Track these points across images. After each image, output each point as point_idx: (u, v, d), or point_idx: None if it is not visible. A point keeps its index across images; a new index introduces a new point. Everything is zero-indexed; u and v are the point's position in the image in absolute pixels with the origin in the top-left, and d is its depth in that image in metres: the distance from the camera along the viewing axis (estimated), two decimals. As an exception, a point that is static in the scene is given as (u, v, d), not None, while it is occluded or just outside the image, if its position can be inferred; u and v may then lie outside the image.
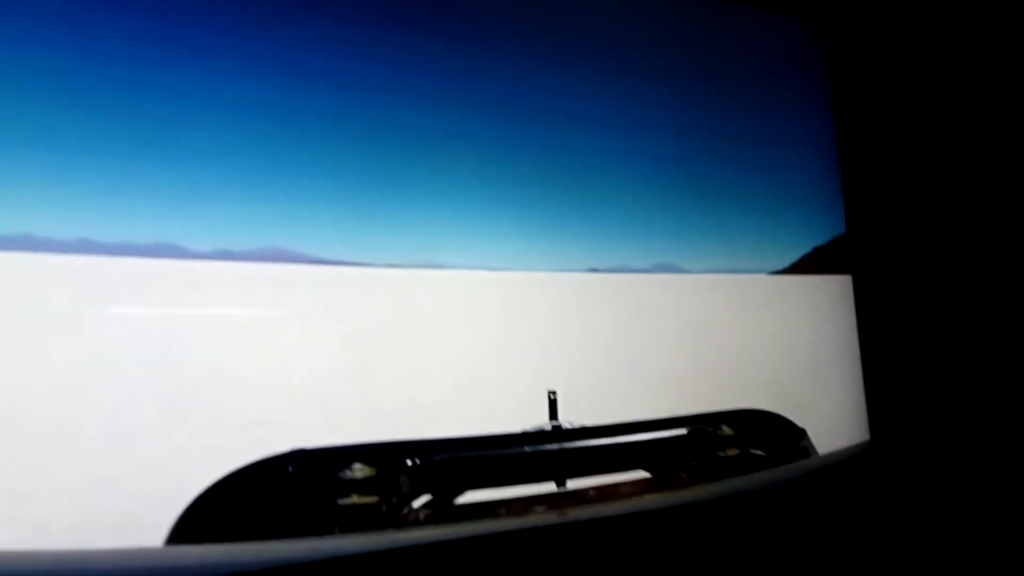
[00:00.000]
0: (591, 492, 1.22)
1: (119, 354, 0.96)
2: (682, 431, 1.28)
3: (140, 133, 1.01)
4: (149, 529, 0.92)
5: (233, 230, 1.04)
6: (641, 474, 1.26)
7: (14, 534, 0.86)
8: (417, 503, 1.11)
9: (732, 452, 1.30)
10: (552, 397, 1.22)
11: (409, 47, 1.18)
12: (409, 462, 1.09)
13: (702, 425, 1.29)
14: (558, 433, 1.21)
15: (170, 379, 0.97)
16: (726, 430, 1.30)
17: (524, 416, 1.21)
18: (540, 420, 1.22)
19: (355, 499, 1.05)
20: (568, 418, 1.22)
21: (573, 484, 1.21)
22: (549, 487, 1.20)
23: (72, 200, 0.96)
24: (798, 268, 1.49)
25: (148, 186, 1.01)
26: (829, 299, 1.46)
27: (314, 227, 1.11)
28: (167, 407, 0.97)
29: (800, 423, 1.37)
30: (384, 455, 1.08)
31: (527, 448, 1.19)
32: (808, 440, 1.36)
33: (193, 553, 0.94)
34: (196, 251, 1.01)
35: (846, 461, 1.38)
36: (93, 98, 0.99)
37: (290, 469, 1.01)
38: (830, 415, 1.41)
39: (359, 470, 1.05)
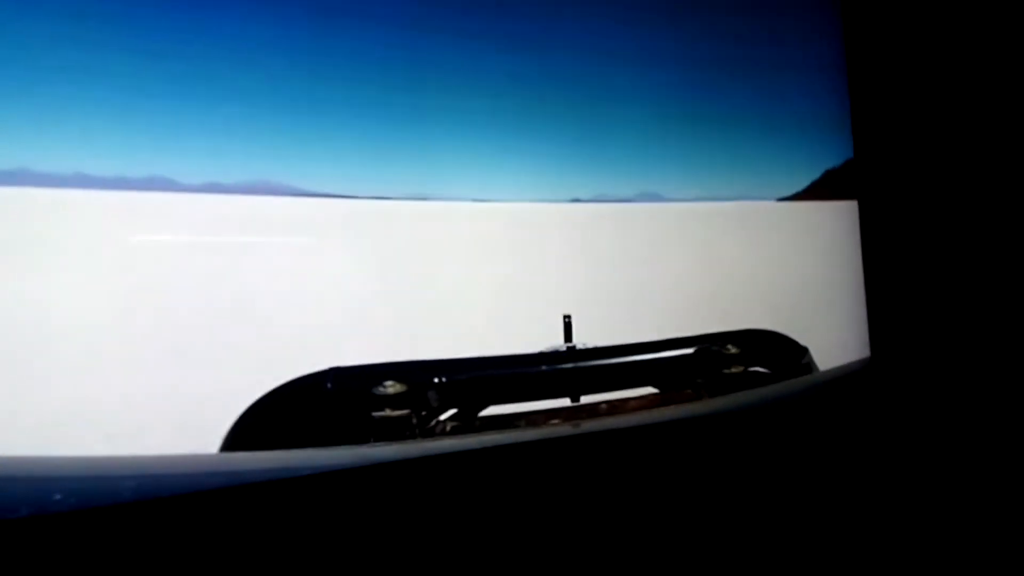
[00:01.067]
0: (603, 406, 1.31)
1: (159, 281, 1.04)
2: (689, 350, 1.36)
3: (139, 67, 1.02)
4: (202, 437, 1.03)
5: (249, 164, 1.09)
6: (650, 390, 1.35)
7: (81, 441, 0.97)
8: (444, 416, 1.21)
9: (736, 369, 1.38)
10: (567, 320, 1.30)
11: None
12: (437, 379, 1.19)
13: (708, 344, 1.37)
14: (572, 353, 1.29)
15: (215, 301, 1.06)
16: (731, 349, 1.38)
17: (541, 338, 1.29)
18: (556, 342, 1.30)
19: (388, 412, 1.15)
20: (582, 339, 1.30)
21: (586, 399, 1.31)
22: (564, 402, 1.30)
23: (69, 135, 0.98)
24: (806, 195, 1.53)
25: (144, 120, 1.03)
26: (835, 224, 1.51)
27: (329, 162, 1.15)
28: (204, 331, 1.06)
29: (803, 342, 1.44)
30: (414, 373, 1.17)
31: (544, 367, 1.28)
32: (810, 357, 1.43)
33: (246, 459, 1.05)
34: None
35: (847, 376, 1.46)
36: (88, 32, 0.99)
37: (328, 385, 1.10)
38: (833, 335, 1.48)
39: (391, 386, 1.15)
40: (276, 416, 1.07)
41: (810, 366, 1.43)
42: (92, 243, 0.98)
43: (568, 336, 1.29)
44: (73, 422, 0.98)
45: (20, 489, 0.92)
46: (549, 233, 1.29)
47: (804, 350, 1.43)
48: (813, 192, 1.54)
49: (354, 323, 1.13)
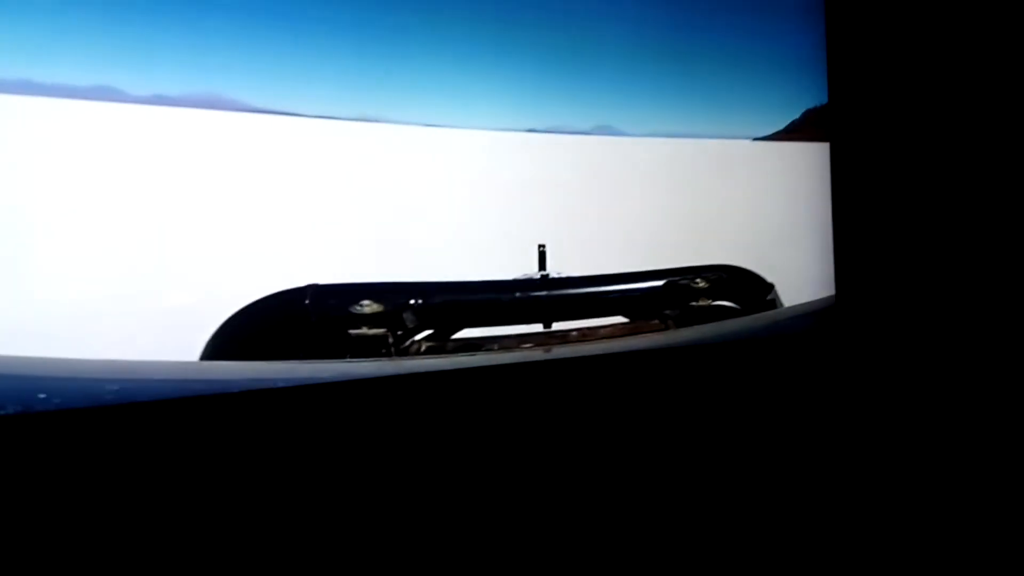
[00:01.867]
0: (574, 333, 1.36)
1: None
2: (658, 283, 1.41)
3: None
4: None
5: (197, 77, 1.08)
6: (620, 319, 1.40)
7: (63, 345, 1.00)
8: (419, 337, 1.25)
9: (703, 303, 1.43)
10: (541, 250, 1.33)
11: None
12: (413, 301, 1.23)
13: (677, 278, 1.42)
14: (546, 282, 1.33)
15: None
16: (699, 283, 1.43)
17: (516, 266, 1.32)
18: (530, 270, 1.34)
19: (364, 330, 1.19)
20: (556, 269, 1.34)
21: (558, 327, 1.35)
22: (537, 328, 1.34)
23: (15, 41, 0.96)
24: (784, 135, 1.56)
25: (91, 27, 1.00)
26: (807, 165, 1.54)
27: (275, 78, 1.13)
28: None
29: (771, 280, 1.49)
30: (391, 294, 1.21)
31: (518, 294, 1.32)
32: (776, 294, 1.49)
33: (225, 368, 1.09)
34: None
35: (811, 313, 1.51)
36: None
37: (306, 302, 1.14)
38: (799, 274, 1.53)
39: (368, 305, 1.19)
40: (254, 329, 1.10)
41: (775, 302, 1.48)
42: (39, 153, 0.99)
43: (542, 265, 1.33)
44: (54, 325, 1.00)
45: (4, 387, 0.95)
46: (508, 163, 1.30)
47: (770, 286, 1.48)
48: (792, 133, 1.56)
49: (309, 245, 1.15)
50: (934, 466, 1.50)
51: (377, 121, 1.18)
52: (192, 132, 1.06)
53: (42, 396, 0.97)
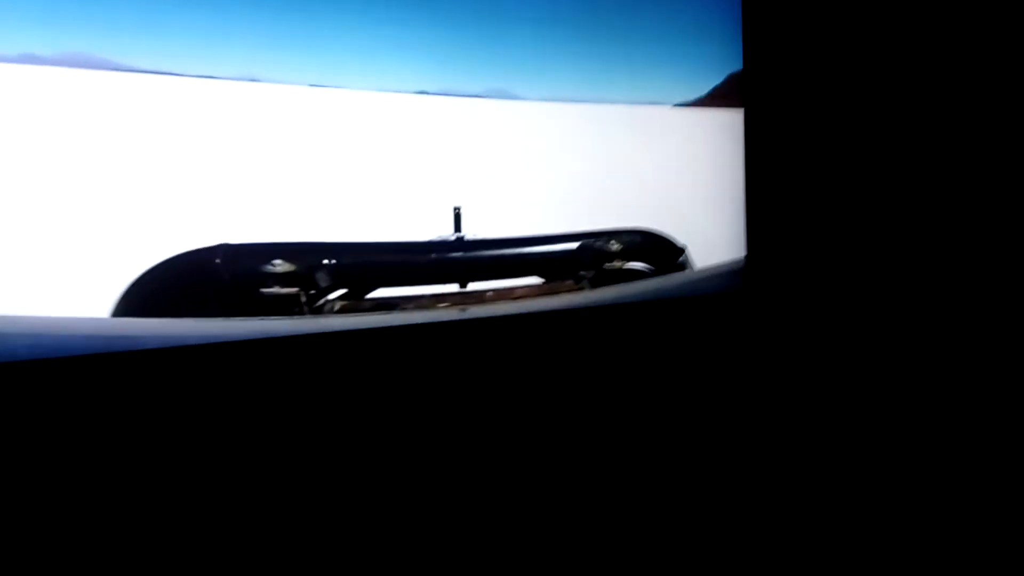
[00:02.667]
0: (489, 294, 1.41)
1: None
2: (573, 244, 1.45)
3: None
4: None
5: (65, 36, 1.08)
6: (535, 280, 1.45)
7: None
8: (333, 296, 1.29)
9: (617, 264, 1.49)
10: (457, 211, 1.37)
11: None
12: (326, 260, 1.26)
13: (591, 240, 1.46)
14: (461, 243, 1.37)
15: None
16: (613, 245, 1.48)
17: (431, 228, 1.36)
18: (446, 231, 1.38)
19: (276, 289, 1.22)
20: (470, 230, 1.38)
21: (474, 287, 1.40)
22: (453, 289, 1.39)
23: None
24: (703, 102, 1.60)
25: None
26: (722, 131, 1.59)
27: (151, 36, 1.13)
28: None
29: (684, 241, 1.55)
30: (304, 254, 1.24)
31: (433, 254, 1.36)
32: (688, 256, 1.54)
33: (136, 325, 1.12)
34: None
35: (720, 274, 1.57)
36: None
37: (217, 260, 1.17)
38: (712, 237, 1.59)
39: (280, 265, 1.22)
40: (166, 286, 1.13)
41: (686, 264, 1.54)
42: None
43: (457, 227, 1.37)
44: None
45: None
46: (406, 125, 1.32)
47: (681, 250, 1.54)
48: (713, 99, 1.60)
49: (212, 206, 1.17)
50: (838, 424, 1.58)
51: (258, 81, 1.19)
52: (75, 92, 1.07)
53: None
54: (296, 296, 1.24)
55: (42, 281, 1.05)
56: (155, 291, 1.13)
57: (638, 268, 1.51)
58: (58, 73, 1.04)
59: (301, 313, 1.25)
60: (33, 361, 1.07)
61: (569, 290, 1.47)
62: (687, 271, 1.55)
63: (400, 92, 1.30)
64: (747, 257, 1.60)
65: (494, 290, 1.41)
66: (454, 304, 1.38)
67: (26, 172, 1.04)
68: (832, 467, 1.51)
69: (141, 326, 1.13)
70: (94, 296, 1.09)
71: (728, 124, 1.59)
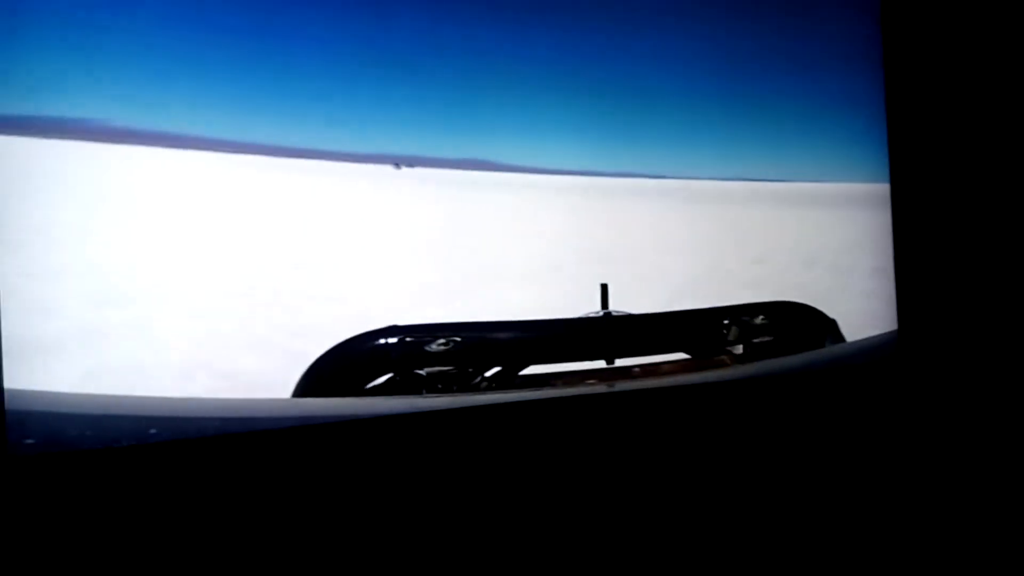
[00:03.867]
0: (636, 370, 1.41)
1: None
2: (719, 319, 1.44)
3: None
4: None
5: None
6: (682, 356, 1.44)
7: (162, 383, 1.10)
8: (488, 373, 1.32)
9: (765, 339, 1.46)
10: (604, 288, 1.39)
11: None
12: (483, 339, 1.30)
13: (738, 314, 1.45)
14: (608, 319, 1.39)
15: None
16: (760, 319, 1.46)
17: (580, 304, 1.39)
18: (593, 308, 1.39)
19: (438, 368, 1.27)
20: (617, 307, 1.39)
21: (621, 363, 1.41)
22: (600, 365, 1.40)
23: None
24: (849, 177, 1.58)
25: None
26: (869, 205, 1.56)
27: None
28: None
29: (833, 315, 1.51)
30: (463, 333, 1.29)
31: (581, 331, 1.38)
32: (838, 329, 1.50)
33: (314, 405, 1.18)
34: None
35: (872, 348, 1.52)
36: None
37: (387, 341, 1.23)
38: (861, 311, 1.54)
39: (442, 344, 1.27)
40: (341, 367, 1.19)
41: (837, 338, 1.50)
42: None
43: (604, 303, 1.39)
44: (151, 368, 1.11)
45: (123, 424, 1.07)
46: (582, 209, 1.37)
47: (832, 322, 1.50)
48: (859, 174, 1.58)
49: (411, 286, 1.24)
50: (992, 503, 1.49)
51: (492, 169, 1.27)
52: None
53: (152, 431, 1.09)
54: (456, 374, 1.28)
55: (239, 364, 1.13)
56: (331, 372, 1.19)
57: (786, 342, 1.48)
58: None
59: (460, 390, 1.29)
60: (225, 435, 1.14)
61: (716, 365, 1.45)
62: (837, 344, 1.51)
63: (550, 172, 1.36)
64: (899, 330, 1.54)
65: (641, 366, 1.41)
66: (601, 380, 1.39)
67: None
68: (994, 545, 1.41)
69: (316, 406, 1.19)
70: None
71: (875, 197, 1.56)
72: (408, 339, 1.24)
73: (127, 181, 1.11)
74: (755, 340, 1.46)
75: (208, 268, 1.13)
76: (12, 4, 0.99)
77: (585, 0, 1.34)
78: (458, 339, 1.27)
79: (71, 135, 1.04)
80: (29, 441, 1.00)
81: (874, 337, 1.53)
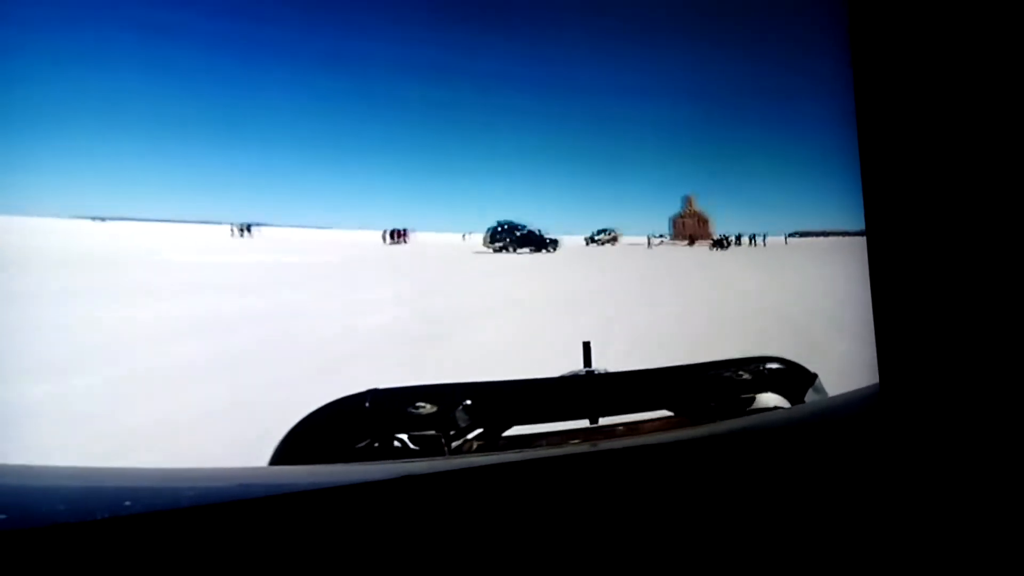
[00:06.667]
0: (620, 428, 1.40)
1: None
2: (702, 376, 1.44)
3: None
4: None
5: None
6: (665, 413, 1.43)
7: (142, 456, 1.09)
8: (471, 435, 1.31)
9: (748, 394, 1.46)
10: (586, 346, 1.39)
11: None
12: (465, 401, 1.29)
13: (720, 370, 1.45)
14: (591, 378, 1.39)
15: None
16: (743, 375, 1.46)
17: (562, 363, 1.38)
18: (576, 366, 1.39)
19: (420, 432, 1.25)
20: (600, 365, 1.39)
21: (604, 421, 1.40)
22: (584, 424, 1.39)
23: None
24: (824, 233, 1.60)
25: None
26: (847, 258, 1.57)
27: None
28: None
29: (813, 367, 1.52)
30: (444, 395, 1.28)
31: (564, 390, 1.37)
32: (819, 383, 1.51)
33: (293, 472, 1.16)
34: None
35: (856, 401, 1.52)
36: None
37: (367, 405, 1.22)
38: (842, 364, 1.54)
39: (423, 407, 1.26)
40: (320, 433, 1.18)
41: (819, 392, 1.50)
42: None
43: (587, 361, 1.39)
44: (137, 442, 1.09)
45: (102, 496, 1.04)
46: (564, 266, 1.37)
47: (813, 376, 1.50)
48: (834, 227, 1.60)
49: (397, 348, 1.23)
50: (978, 557, 1.47)
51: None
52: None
53: (127, 503, 1.06)
54: (438, 437, 1.27)
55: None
56: (310, 438, 1.17)
57: (769, 397, 1.48)
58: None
59: (442, 452, 1.27)
60: (204, 506, 1.12)
61: (699, 421, 1.45)
62: (819, 399, 1.51)
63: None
64: (880, 383, 1.55)
65: (624, 424, 1.41)
66: (585, 439, 1.38)
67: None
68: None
69: (292, 473, 1.17)
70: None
71: (851, 249, 1.58)
72: (388, 403, 1.23)
73: None
74: (740, 396, 1.46)
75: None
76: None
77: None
78: (440, 401, 1.26)
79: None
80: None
81: (856, 391, 1.53)
